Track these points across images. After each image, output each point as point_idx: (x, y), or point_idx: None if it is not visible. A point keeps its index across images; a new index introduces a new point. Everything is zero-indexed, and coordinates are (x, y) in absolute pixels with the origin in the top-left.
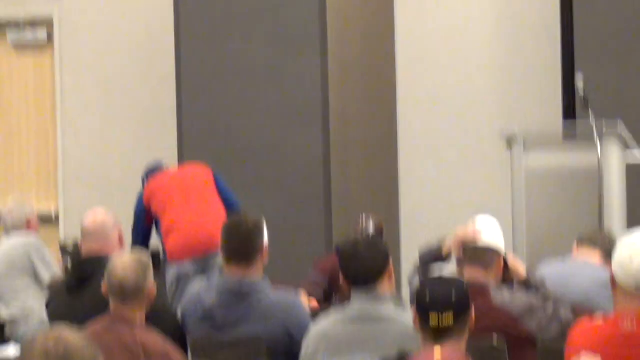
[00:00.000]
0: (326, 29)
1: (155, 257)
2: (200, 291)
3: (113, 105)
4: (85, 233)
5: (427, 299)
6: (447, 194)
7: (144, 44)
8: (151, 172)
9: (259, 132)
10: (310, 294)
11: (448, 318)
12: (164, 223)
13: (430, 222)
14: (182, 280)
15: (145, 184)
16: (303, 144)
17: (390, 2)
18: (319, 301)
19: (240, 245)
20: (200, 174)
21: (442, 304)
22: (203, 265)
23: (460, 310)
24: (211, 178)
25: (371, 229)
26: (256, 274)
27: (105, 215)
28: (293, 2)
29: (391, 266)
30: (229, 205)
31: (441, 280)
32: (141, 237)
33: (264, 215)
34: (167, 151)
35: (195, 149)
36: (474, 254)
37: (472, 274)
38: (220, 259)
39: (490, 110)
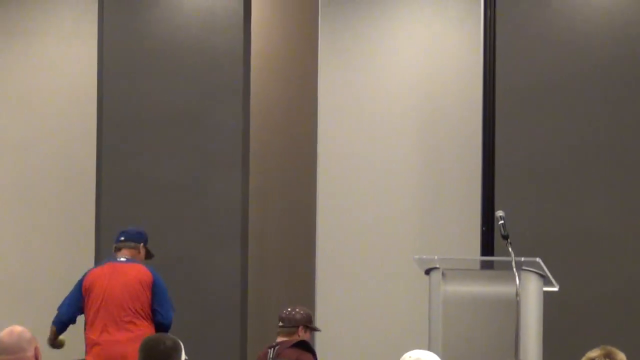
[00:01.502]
0: (248, 150)
1: None
2: None
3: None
4: (0, 347)
5: None
6: (363, 317)
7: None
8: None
9: (179, 248)
10: None
11: None
12: (87, 335)
13: (342, 346)
14: None
15: (87, 273)
16: (221, 262)
17: (313, 126)
18: None
19: None
20: (135, 287)
21: None
22: None
23: None
24: (147, 289)
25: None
26: None
27: (22, 331)
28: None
29: None
30: (159, 317)
31: None
32: (66, 315)
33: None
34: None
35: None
36: None
37: None
38: None
39: (408, 238)
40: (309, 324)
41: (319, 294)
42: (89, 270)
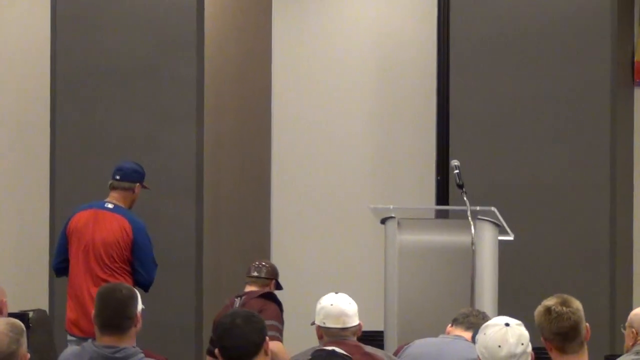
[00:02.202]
0: (203, 104)
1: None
2: (72, 357)
3: None
4: None
5: None
6: (318, 266)
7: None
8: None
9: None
10: None
11: None
12: (68, 282)
13: (298, 297)
14: None
15: (72, 217)
16: (176, 215)
17: (268, 80)
18: None
19: (113, 315)
20: (113, 246)
21: None
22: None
23: None
24: (126, 248)
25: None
26: (129, 342)
27: None
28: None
29: (267, 341)
30: (139, 278)
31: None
32: (55, 265)
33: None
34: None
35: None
36: None
37: None
38: None
39: (364, 187)
40: (277, 279)
41: (274, 245)
42: (74, 214)
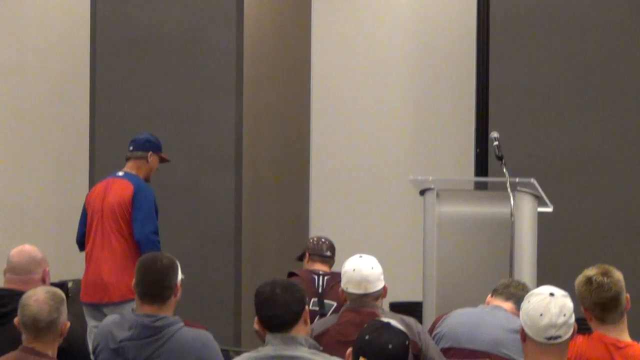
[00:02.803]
0: (242, 76)
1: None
2: (112, 325)
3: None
4: (9, 265)
5: (363, 343)
6: (357, 238)
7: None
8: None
9: (173, 173)
10: None
11: None
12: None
13: (337, 268)
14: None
15: (90, 190)
16: (216, 186)
17: (307, 52)
18: None
19: (153, 284)
20: (114, 208)
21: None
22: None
23: None
24: (125, 208)
25: (325, 250)
26: (168, 311)
27: (32, 251)
28: (210, 50)
29: (307, 310)
30: (134, 234)
31: (385, 329)
32: (78, 237)
33: (175, 254)
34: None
35: None
36: None
37: None
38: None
39: (403, 159)
40: None
41: (313, 216)
42: (94, 187)
